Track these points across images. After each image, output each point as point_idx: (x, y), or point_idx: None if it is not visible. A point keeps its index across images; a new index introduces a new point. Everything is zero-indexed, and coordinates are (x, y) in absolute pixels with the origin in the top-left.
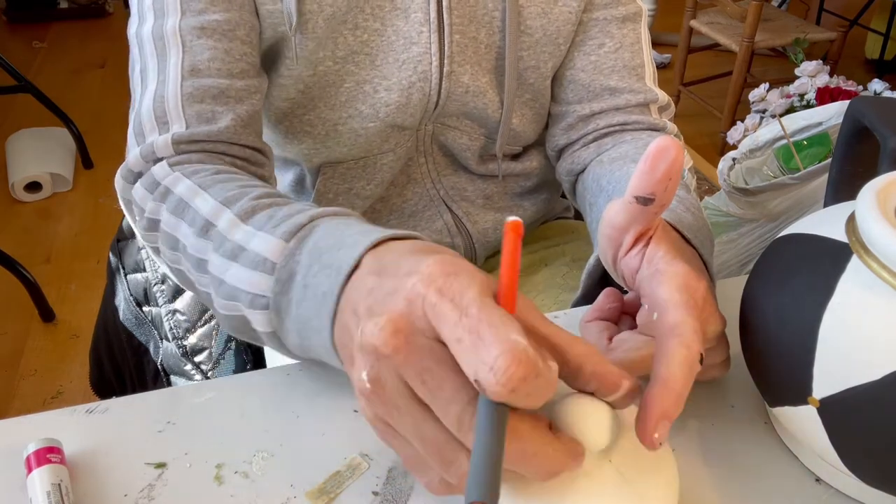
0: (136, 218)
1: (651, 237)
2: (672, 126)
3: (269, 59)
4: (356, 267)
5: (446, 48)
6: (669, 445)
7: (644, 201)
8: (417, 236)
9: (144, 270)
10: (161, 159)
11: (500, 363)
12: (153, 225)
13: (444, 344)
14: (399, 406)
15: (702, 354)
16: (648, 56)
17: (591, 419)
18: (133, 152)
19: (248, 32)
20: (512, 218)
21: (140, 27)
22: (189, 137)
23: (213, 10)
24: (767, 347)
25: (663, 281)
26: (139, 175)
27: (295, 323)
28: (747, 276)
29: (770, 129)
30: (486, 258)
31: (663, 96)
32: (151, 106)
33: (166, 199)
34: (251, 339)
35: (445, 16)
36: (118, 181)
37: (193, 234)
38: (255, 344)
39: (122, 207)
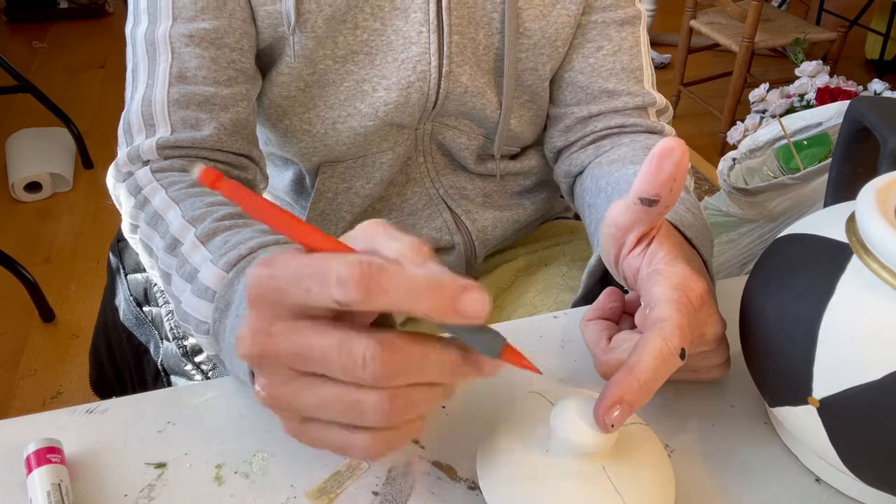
0: (122, 215)
1: (654, 237)
2: (670, 129)
3: (269, 58)
4: None
5: (445, 48)
6: (668, 458)
7: (649, 202)
8: None
9: (145, 270)
10: (147, 162)
11: (342, 273)
12: (133, 229)
13: (294, 318)
14: (295, 390)
15: (683, 350)
16: (647, 59)
17: (589, 419)
18: (121, 152)
19: (239, 39)
20: (197, 170)
21: (135, 28)
22: (174, 143)
23: (202, 17)
24: (767, 347)
25: (660, 280)
26: (128, 175)
27: (228, 349)
28: (747, 276)
29: (770, 129)
30: (485, 257)
31: (661, 100)
32: (140, 108)
33: (144, 208)
34: None
35: (445, 16)
36: (108, 179)
37: (163, 249)
38: None
39: (114, 201)
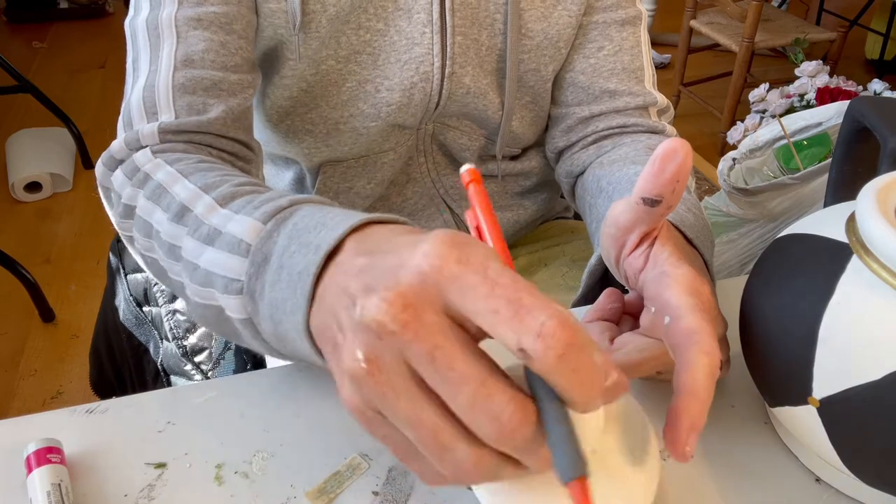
0: (113, 205)
1: (655, 238)
2: (671, 129)
3: (270, 60)
4: (339, 247)
5: (448, 49)
6: (656, 438)
7: (651, 203)
8: (404, 221)
9: (145, 270)
10: (145, 147)
11: (548, 327)
12: (129, 212)
13: (452, 321)
14: (395, 388)
15: (721, 360)
16: (648, 59)
17: (583, 419)
18: (117, 140)
19: (245, 27)
20: (466, 167)
21: (136, 17)
22: (177, 127)
23: (210, 1)
24: (767, 347)
25: (671, 284)
26: (120, 162)
27: (269, 308)
28: (747, 276)
29: (770, 129)
30: None
31: (662, 99)
32: (141, 95)
33: (145, 185)
34: (224, 333)
35: (448, 17)
36: (98, 167)
37: (168, 220)
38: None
39: (101, 195)
